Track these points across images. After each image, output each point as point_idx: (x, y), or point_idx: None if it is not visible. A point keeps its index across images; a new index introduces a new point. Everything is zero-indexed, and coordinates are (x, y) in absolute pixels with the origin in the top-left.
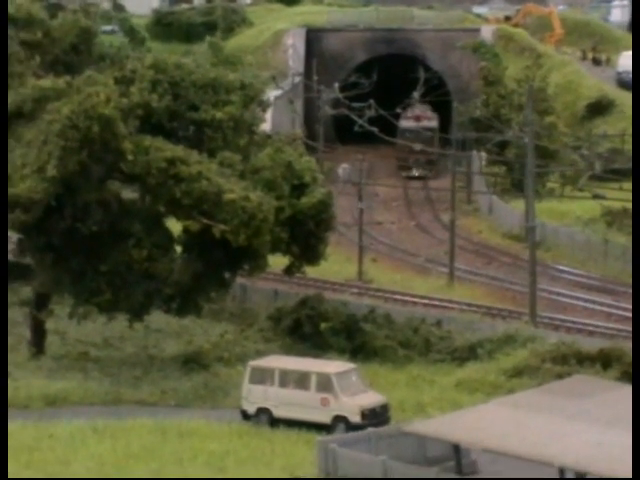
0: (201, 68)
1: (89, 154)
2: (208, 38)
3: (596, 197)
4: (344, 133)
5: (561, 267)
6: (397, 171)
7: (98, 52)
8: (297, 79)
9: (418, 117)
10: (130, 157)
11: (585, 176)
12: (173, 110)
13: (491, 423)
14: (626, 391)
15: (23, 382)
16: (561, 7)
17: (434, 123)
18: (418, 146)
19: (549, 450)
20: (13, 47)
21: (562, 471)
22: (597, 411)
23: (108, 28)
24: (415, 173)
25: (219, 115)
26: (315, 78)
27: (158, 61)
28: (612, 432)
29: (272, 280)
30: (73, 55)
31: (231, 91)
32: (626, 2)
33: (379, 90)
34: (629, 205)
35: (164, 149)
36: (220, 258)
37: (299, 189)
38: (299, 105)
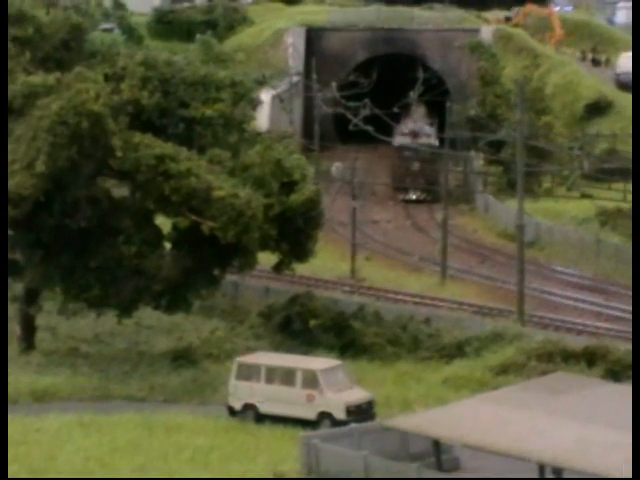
0: (191, 65)
1: (78, 150)
2: (199, 36)
3: (584, 196)
4: (344, 132)
5: (554, 266)
6: (393, 193)
7: (89, 49)
8: (296, 78)
9: (415, 133)
10: (119, 154)
11: (573, 176)
12: (163, 107)
13: (472, 419)
14: (606, 388)
15: (12, 377)
16: (568, 8)
17: (433, 140)
18: (416, 165)
19: (528, 446)
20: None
21: (541, 467)
22: (577, 407)
23: (108, 26)
24: (412, 196)
25: (209, 112)
26: (314, 77)
27: (148, 58)
28: (591, 428)
29: (264, 277)
30: (64, 51)
31: (221, 88)
32: (630, 4)
33: (379, 89)
34: (622, 204)
35: (153, 146)
36: (209, 255)
37: (288, 186)
38: (298, 104)
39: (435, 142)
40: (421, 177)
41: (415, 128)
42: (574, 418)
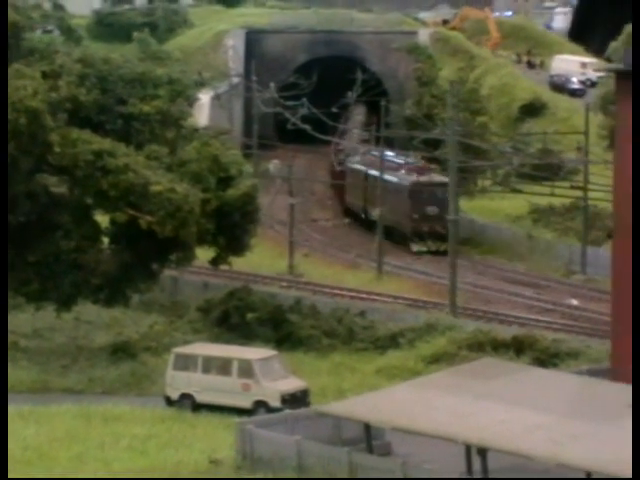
0: (129, 63)
1: (16, 146)
2: (136, 34)
3: (515, 191)
4: (284, 133)
5: (488, 262)
6: (404, 245)
7: (27, 46)
8: (236, 80)
9: (421, 170)
10: (57, 149)
11: (503, 171)
12: (101, 104)
13: (401, 403)
14: (531, 373)
15: None
16: (507, 13)
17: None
18: (433, 210)
19: (454, 428)
20: None
21: (468, 448)
22: (502, 391)
23: (47, 28)
24: (432, 247)
25: (146, 109)
26: (254, 79)
27: (86, 55)
28: (516, 410)
29: (203, 274)
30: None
31: (159, 85)
32: (568, 10)
33: (319, 91)
34: (553, 202)
35: (92, 142)
36: (147, 249)
37: (225, 182)
38: (238, 105)
39: (444, 178)
40: (439, 223)
41: (413, 165)
42: (499, 401)
